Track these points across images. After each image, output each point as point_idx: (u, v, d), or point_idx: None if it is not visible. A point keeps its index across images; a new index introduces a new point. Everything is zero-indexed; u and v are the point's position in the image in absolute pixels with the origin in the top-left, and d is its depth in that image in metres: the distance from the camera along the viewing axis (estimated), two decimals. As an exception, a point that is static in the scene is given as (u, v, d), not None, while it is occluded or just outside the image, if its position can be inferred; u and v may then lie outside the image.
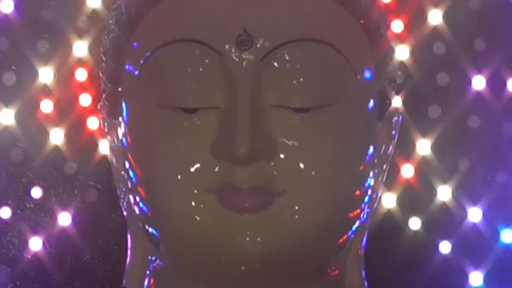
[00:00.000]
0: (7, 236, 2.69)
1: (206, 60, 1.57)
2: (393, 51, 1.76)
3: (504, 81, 2.72)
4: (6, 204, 2.67)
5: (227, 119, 1.55)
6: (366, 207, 1.68)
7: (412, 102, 2.65)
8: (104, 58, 1.73)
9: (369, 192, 1.68)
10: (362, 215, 1.67)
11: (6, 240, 2.67)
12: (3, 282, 2.64)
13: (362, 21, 1.66)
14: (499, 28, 2.73)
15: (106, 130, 1.74)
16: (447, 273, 2.66)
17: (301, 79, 1.58)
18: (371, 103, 1.65)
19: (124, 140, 1.66)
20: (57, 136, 2.65)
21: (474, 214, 2.69)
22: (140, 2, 1.66)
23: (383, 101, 1.69)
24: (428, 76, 2.69)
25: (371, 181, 1.67)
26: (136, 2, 1.67)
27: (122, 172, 1.69)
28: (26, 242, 2.66)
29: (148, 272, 1.69)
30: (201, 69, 1.58)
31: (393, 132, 1.71)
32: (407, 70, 2.64)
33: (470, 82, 2.70)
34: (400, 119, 1.74)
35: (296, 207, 1.56)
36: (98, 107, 1.74)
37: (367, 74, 1.64)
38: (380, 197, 1.74)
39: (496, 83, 2.72)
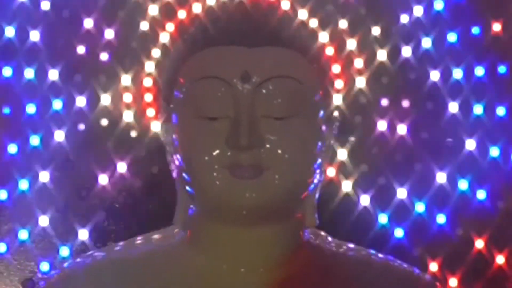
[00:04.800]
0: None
1: (222, 89, 1.62)
2: (333, 83, 1.85)
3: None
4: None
5: (235, 124, 1.60)
6: (317, 176, 1.70)
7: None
8: (162, 87, 1.75)
9: (319, 167, 1.70)
10: (315, 181, 1.69)
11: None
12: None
13: (315, 66, 1.71)
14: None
15: (163, 130, 1.76)
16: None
17: (279, 100, 1.62)
18: (321, 113, 1.68)
19: (174, 136, 1.69)
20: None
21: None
22: (183, 54, 1.70)
23: (329, 113, 1.73)
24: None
25: (320, 162, 1.69)
26: (181, 53, 1.71)
27: (173, 156, 1.70)
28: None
29: (187, 215, 1.71)
30: (219, 94, 1.62)
31: (334, 132, 1.75)
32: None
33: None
34: (338, 124, 1.76)
35: (276, 176, 1.60)
36: (159, 116, 1.84)
37: (318, 97, 1.68)
38: (325, 171, 1.75)
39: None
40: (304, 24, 2.31)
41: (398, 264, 1.78)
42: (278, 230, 1.67)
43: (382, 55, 2.66)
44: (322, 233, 1.79)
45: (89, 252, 1.82)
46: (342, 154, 2.65)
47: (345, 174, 2.64)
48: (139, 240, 1.78)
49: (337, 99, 2.55)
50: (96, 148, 2.61)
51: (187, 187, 1.69)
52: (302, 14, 2.58)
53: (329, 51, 2.60)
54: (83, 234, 2.52)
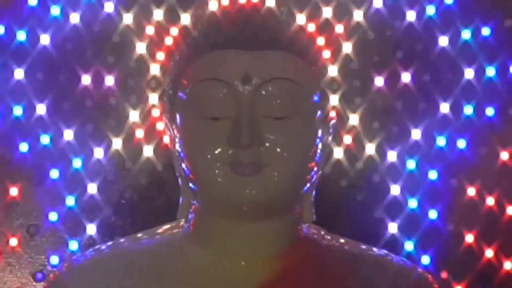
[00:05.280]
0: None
1: (224, 90, 1.62)
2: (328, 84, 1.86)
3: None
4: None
5: (236, 124, 1.59)
6: (314, 174, 1.69)
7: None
8: (166, 89, 1.75)
9: (316, 165, 1.69)
10: (312, 178, 1.69)
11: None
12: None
13: (312, 68, 1.72)
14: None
15: (168, 130, 1.75)
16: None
17: (278, 101, 1.62)
18: (318, 114, 1.68)
19: (178, 135, 1.68)
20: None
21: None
22: (187, 57, 1.70)
23: (325, 113, 1.72)
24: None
25: (317, 159, 1.69)
26: (185, 56, 1.71)
27: (176, 154, 1.70)
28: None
29: (191, 210, 1.71)
30: (221, 95, 1.62)
31: (330, 131, 1.74)
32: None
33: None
34: (334, 123, 1.75)
35: (275, 174, 1.60)
36: (163, 116, 1.77)
37: (316, 98, 1.68)
38: (322, 168, 1.73)
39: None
40: (302, 28, 2.30)
41: (392, 258, 1.78)
42: (277, 225, 1.67)
43: (376, 58, 2.66)
44: (319, 228, 1.79)
45: (97, 246, 1.82)
46: (339, 152, 2.64)
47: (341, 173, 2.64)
48: (144, 234, 1.78)
49: (334, 100, 2.55)
50: None
51: (190, 184, 1.68)
52: (300, 19, 2.59)
53: (326, 54, 2.60)
54: (91, 229, 2.52)
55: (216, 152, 1.61)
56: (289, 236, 1.71)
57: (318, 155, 1.71)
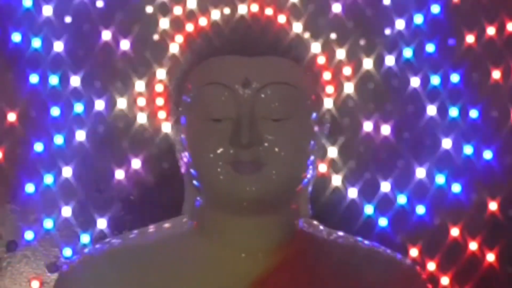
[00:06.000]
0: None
1: (226, 93, 1.62)
2: (324, 89, 1.81)
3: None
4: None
5: (237, 125, 1.59)
6: (310, 172, 1.69)
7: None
8: (172, 92, 1.75)
9: (312, 164, 1.69)
10: (308, 176, 1.69)
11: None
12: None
13: (308, 73, 1.72)
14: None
15: (173, 130, 1.76)
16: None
17: (276, 103, 1.62)
18: (313, 115, 1.68)
19: (182, 136, 1.68)
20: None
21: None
22: (191, 62, 1.70)
23: (320, 115, 1.72)
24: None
25: (313, 158, 1.69)
26: (189, 62, 1.71)
27: (181, 153, 1.70)
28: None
29: (195, 206, 1.71)
30: (223, 98, 1.62)
31: (325, 132, 1.74)
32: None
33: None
34: (328, 125, 1.75)
35: (274, 172, 1.60)
36: (169, 118, 1.78)
37: (311, 101, 1.68)
38: (317, 166, 1.73)
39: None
40: (298, 36, 2.30)
41: (382, 250, 1.78)
42: (275, 219, 1.68)
43: (368, 64, 2.66)
44: (315, 222, 1.79)
45: (107, 239, 1.82)
46: (333, 152, 2.64)
47: (335, 170, 2.64)
48: (151, 228, 1.78)
49: (328, 103, 2.52)
50: (113, 147, 2.59)
51: (194, 181, 1.69)
52: (297, 27, 2.58)
53: (321, 60, 2.60)
54: (102, 223, 2.52)
55: (218, 151, 1.61)
56: (287, 230, 1.71)
57: (313, 154, 1.71)
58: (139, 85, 2.63)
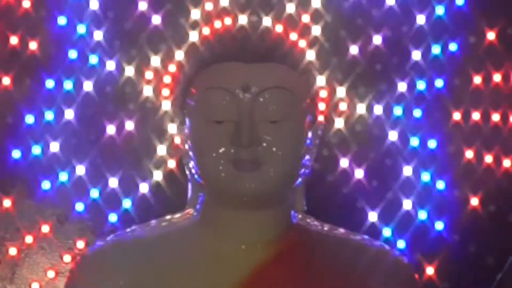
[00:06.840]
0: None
1: (227, 97, 1.63)
2: (317, 94, 1.84)
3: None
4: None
5: (237, 127, 1.61)
6: (305, 170, 1.71)
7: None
8: (177, 96, 1.76)
9: (307, 162, 1.70)
10: (303, 174, 1.71)
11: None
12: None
13: (303, 78, 1.73)
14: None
15: (178, 132, 1.77)
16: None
17: (274, 107, 1.63)
18: (309, 118, 1.69)
19: (187, 136, 1.69)
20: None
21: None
22: (195, 69, 1.71)
23: (315, 117, 1.73)
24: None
25: (308, 158, 1.70)
26: (193, 68, 1.72)
27: (186, 152, 1.71)
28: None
29: (198, 201, 1.72)
30: (224, 102, 1.63)
31: (319, 133, 1.74)
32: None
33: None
34: (323, 127, 1.77)
35: (271, 170, 1.61)
36: (175, 121, 1.80)
37: (306, 104, 1.69)
38: (312, 166, 1.73)
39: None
40: (294, 44, 2.30)
41: (371, 241, 1.79)
42: (272, 213, 1.69)
43: (359, 69, 2.57)
44: (309, 216, 1.80)
45: (118, 232, 1.84)
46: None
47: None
48: (158, 222, 1.78)
49: (321, 107, 2.50)
50: (124, 151, 2.48)
51: (198, 178, 1.71)
52: (293, 36, 2.58)
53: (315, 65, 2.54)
54: (113, 218, 2.51)
55: (220, 151, 1.63)
56: (284, 223, 1.71)
57: (308, 153, 1.71)
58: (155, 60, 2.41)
